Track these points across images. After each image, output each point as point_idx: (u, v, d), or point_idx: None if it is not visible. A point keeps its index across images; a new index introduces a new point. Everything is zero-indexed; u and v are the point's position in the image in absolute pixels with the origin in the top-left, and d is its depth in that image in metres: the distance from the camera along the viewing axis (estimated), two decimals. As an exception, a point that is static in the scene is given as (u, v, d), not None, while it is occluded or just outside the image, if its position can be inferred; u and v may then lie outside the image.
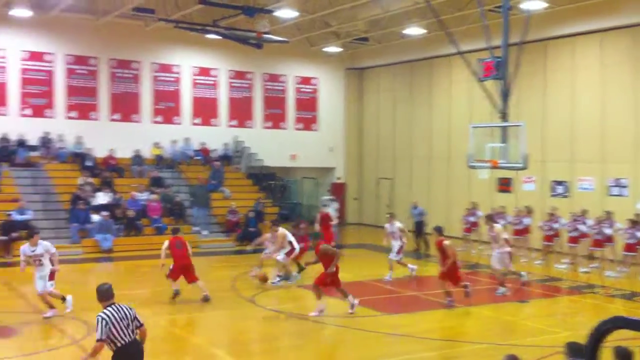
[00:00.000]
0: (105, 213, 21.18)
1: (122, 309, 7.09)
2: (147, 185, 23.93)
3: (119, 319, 6.96)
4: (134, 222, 21.71)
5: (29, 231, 14.03)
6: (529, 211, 21.02)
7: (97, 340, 6.93)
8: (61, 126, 24.81)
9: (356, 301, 13.07)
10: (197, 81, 27.98)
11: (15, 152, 23.45)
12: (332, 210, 23.65)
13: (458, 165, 25.26)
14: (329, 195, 25.91)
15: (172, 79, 27.45)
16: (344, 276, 16.29)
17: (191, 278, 14.14)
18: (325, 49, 29.45)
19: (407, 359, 10.63)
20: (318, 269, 13.76)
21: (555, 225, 19.76)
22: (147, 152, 26.20)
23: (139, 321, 7.17)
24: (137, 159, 25.44)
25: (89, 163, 24.17)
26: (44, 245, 12.60)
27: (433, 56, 27.30)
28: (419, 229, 22.59)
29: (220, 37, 24.62)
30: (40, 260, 12.47)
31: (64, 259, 19.26)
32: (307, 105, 30.72)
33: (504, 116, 18.63)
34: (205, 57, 27.96)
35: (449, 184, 26.79)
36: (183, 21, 23.66)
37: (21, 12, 22.83)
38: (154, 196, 23.09)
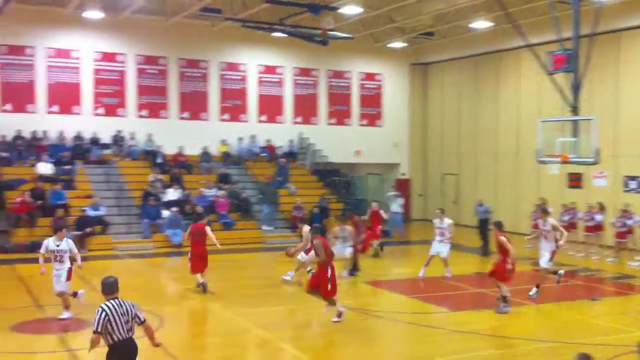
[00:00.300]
0: (174, 209, 21.74)
1: (124, 304, 7.02)
2: (214, 181, 24.41)
3: (120, 314, 6.90)
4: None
5: (56, 226, 13.74)
6: (601, 207, 20.43)
7: (94, 332, 6.87)
8: (132, 125, 25.59)
9: (325, 310, 12.05)
10: (263, 79, 28.35)
11: (89, 150, 24.31)
12: (395, 206, 23.55)
13: (526, 161, 24.80)
14: (393, 191, 25.79)
15: (239, 78, 27.89)
16: (408, 272, 16.30)
17: (196, 269, 14.50)
18: (390, 45, 29.34)
19: (473, 357, 10.53)
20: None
21: (629, 222, 19.17)
22: (215, 149, 26.73)
23: (139, 318, 7.11)
24: (205, 156, 25.99)
25: (159, 160, 24.83)
26: (69, 242, 12.33)
27: (500, 50, 26.85)
28: (483, 227, 22.17)
29: (285, 35, 24.87)
30: (62, 257, 12.16)
31: (135, 253, 20.05)
32: (372, 101, 30.70)
33: (574, 110, 18.20)
34: (271, 55, 28.29)
35: (517, 180, 26.29)
36: (250, 20, 24.01)
37: (94, 14, 23.63)
38: (222, 192, 23.55)
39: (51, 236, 12.49)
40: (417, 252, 22.89)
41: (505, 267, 12.95)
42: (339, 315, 12.06)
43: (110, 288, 7.11)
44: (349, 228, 16.45)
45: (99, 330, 6.81)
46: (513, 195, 26.23)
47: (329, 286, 11.84)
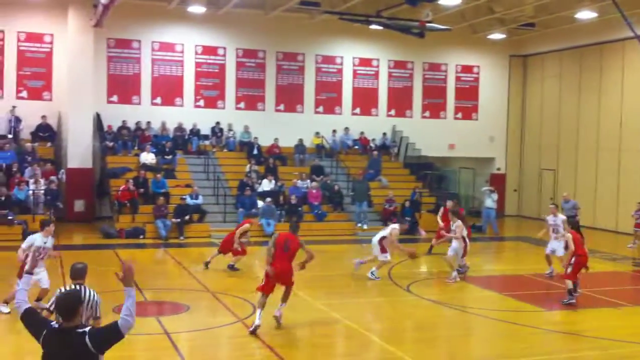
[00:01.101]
0: (269, 199, 22.24)
1: (87, 292, 6.92)
2: (308, 173, 24.77)
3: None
4: (295, 208, 22.59)
5: (42, 220, 12.51)
6: None
7: (47, 310, 7.39)
8: (230, 116, 26.34)
9: (278, 312, 11.16)
10: (358, 72, 28.46)
11: (190, 140, 25.21)
12: (490, 201, 23.13)
13: (630, 157, 23.81)
14: (487, 186, 25.34)
15: (334, 70, 28.13)
16: (501, 269, 15.99)
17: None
18: (488, 36, 28.74)
19: (571, 357, 10.30)
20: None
21: None
22: (309, 142, 27.09)
23: (96, 313, 6.95)
24: (300, 148, 26.40)
25: (255, 151, 25.45)
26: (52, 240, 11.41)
27: (604, 41, 25.80)
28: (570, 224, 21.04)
29: (382, 28, 24.84)
30: (45, 255, 11.10)
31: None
32: (468, 94, 30.21)
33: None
34: (367, 48, 28.35)
35: (619, 177, 25.23)
36: (347, 13, 24.14)
37: (196, 9, 24.47)
38: (314, 184, 23.88)
39: (37, 232, 11.50)
40: (510, 249, 22.52)
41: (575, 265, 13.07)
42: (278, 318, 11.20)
43: (76, 273, 7.21)
44: (459, 225, 15.87)
45: (51, 309, 7.16)
46: (614, 193, 25.20)
47: None
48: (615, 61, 25.82)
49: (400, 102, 29.06)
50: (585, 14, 24.09)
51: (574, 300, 13.13)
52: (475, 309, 12.87)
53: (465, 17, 26.45)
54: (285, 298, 11.22)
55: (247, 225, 16.30)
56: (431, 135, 28.68)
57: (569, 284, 13.14)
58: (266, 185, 23.43)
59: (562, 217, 16.32)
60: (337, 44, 27.98)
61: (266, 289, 11.04)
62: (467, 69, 30.13)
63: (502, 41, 29.55)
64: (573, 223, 13.75)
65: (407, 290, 14.38)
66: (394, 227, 15.53)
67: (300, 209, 22.76)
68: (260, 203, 22.33)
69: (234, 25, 26.27)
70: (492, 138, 30.43)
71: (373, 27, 25.31)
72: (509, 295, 14.13)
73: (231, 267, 15.88)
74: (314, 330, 11.42)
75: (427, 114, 29.49)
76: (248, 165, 24.35)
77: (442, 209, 19.24)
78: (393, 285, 14.87)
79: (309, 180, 24.16)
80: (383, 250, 15.26)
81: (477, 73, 30.34)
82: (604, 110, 26.25)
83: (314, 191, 23.53)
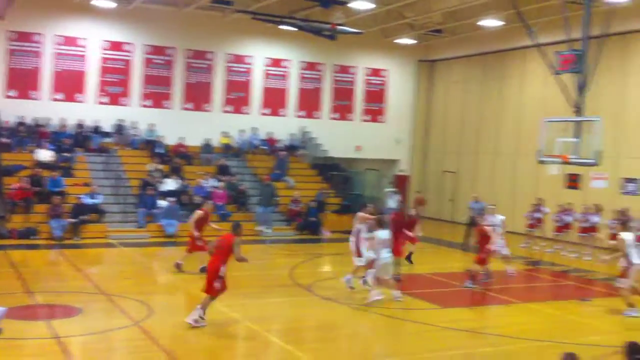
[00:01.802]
0: (172, 199, 21.79)
1: None
2: (214, 173, 24.45)
3: None
4: (199, 208, 22.15)
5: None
6: (597, 209, 20.38)
7: None
8: (136, 114, 25.69)
9: (196, 314, 11.06)
10: (269, 72, 28.36)
11: (90, 138, 24.37)
12: (393, 202, 23.51)
13: (526, 161, 24.78)
14: (391, 188, 25.78)
15: (244, 70, 27.92)
16: (403, 269, 16.21)
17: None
18: (398, 41, 29.29)
19: (463, 354, 10.57)
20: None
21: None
22: (216, 141, 26.77)
23: None
24: (207, 147, 26.04)
25: (159, 150, 24.88)
26: None
27: (506, 49, 26.79)
28: (473, 223, 21.66)
29: (294, 29, 24.86)
30: None
31: (130, 242, 20.09)
32: (376, 97, 30.68)
33: (578, 110, 18.16)
34: (278, 48, 28.30)
35: (515, 180, 26.27)
36: (260, 12, 24.00)
37: (105, 3, 23.73)
38: (220, 184, 23.59)
39: None
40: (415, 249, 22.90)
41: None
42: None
43: None
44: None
45: None
46: (510, 194, 26.20)
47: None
48: (516, 69, 26.85)
49: (309, 103, 29.18)
50: (490, 22, 24.92)
51: (473, 286, 14.38)
52: (375, 307, 13.03)
53: (377, 21, 26.84)
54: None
55: (199, 212, 15.74)
56: (339, 137, 28.94)
57: (476, 269, 14.10)
58: (169, 184, 22.95)
59: (500, 217, 16.78)
60: (248, 43, 27.79)
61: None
62: (376, 72, 30.59)
63: (411, 46, 30.19)
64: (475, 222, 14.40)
65: (308, 290, 14.40)
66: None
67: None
68: (162, 203, 21.82)
69: (143, 21, 25.64)
70: (399, 140, 31.03)
71: (285, 27, 25.32)
72: (409, 294, 14.37)
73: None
74: (213, 332, 11.23)
75: (335, 115, 29.74)
76: (151, 164, 23.77)
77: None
78: (295, 285, 14.86)
79: (214, 180, 23.84)
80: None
81: (386, 76, 30.86)
82: (504, 116, 27.25)
83: (219, 191, 23.23)
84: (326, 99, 29.57)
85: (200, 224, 15.46)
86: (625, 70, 22.35)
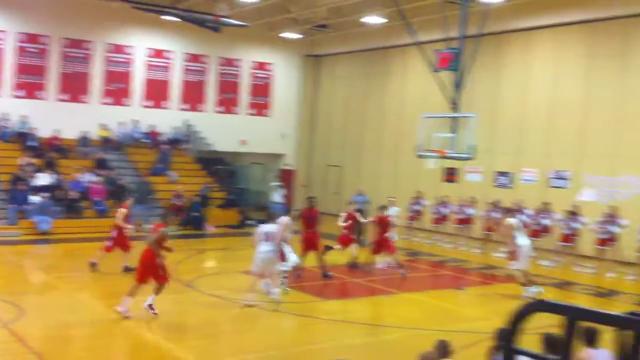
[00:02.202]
0: (45, 194, 20.73)
1: None
2: (91, 167, 23.48)
3: None
4: (74, 204, 21.31)
5: None
6: (472, 201, 21.34)
7: None
8: (7, 105, 24.19)
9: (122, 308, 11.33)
10: (151, 63, 27.53)
11: (-44, 130, 22.77)
12: (278, 196, 23.55)
13: (407, 155, 25.44)
14: (276, 182, 25.83)
15: (125, 60, 26.95)
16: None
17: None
18: (284, 35, 29.28)
19: (345, 345, 10.70)
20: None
21: (497, 215, 20.12)
22: (95, 134, 25.73)
23: None
24: (84, 140, 24.94)
25: (32, 143, 23.59)
26: None
27: (390, 46, 27.38)
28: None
29: (177, 19, 24.28)
30: None
31: (0, 240, 18.93)
32: (262, 91, 30.54)
33: (455, 107, 18.86)
34: (160, 39, 27.53)
35: (397, 173, 27.00)
36: (140, 2, 23.24)
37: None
38: (98, 178, 22.68)
39: None
40: (296, 242, 23.02)
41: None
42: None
43: None
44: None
45: None
46: (393, 187, 26.89)
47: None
48: (398, 66, 27.55)
49: (193, 96, 28.62)
50: (374, 19, 25.40)
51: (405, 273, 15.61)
52: (257, 302, 12.97)
53: (262, 15, 26.66)
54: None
55: (123, 210, 15.10)
56: (224, 130, 28.59)
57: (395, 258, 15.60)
58: (43, 179, 21.79)
59: (396, 208, 17.12)
60: (128, 33, 26.86)
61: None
62: (261, 65, 30.45)
63: (297, 41, 30.27)
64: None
65: (189, 287, 14.13)
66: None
67: (79, 204, 21.48)
68: (34, 198, 20.71)
69: (16, 8, 24.19)
70: (284, 135, 31.09)
71: (167, 17, 24.68)
72: (293, 287, 14.43)
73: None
74: (91, 332, 10.81)
75: (220, 109, 29.35)
76: (22, 158, 22.48)
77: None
78: (175, 281, 14.50)
79: (91, 174, 22.87)
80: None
81: (272, 70, 30.79)
82: (387, 111, 27.92)
83: (96, 186, 22.34)
84: (211, 92, 29.13)
85: (126, 221, 14.95)
86: (499, 68, 23.47)
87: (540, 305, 2.70)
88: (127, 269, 14.35)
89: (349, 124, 29.83)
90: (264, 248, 12.88)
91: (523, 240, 13.91)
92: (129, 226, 15.00)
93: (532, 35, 22.41)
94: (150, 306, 11.33)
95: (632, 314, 4.51)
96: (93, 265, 14.91)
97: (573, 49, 21.31)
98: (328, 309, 12.85)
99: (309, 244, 15.23)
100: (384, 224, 16.02)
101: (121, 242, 14.91)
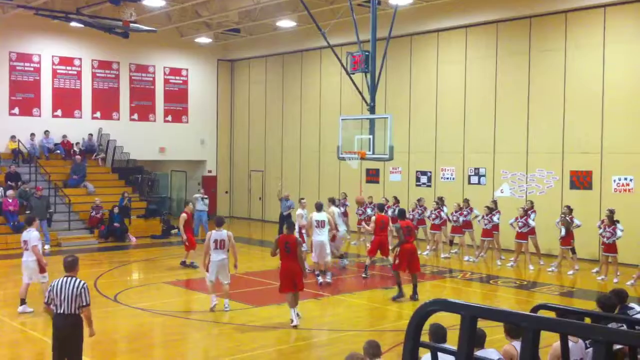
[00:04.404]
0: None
1: (73, 283, 7.81)
2: (2, 181, 22.41)
3: (65, 290, 7.74)
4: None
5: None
6: (396, 201, 21.63)
7: (44, 303, 8.16)
8: None
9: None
10: (59, 71, 26.58)
11: None
12: (202, 204, 23.10)
13: (328, 157, 25.63)
14: (200, 189, 25.40)
15: (32, 69, 25.90)
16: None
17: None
18: (197, 40, 28.87)
19: (276, 350, 10.64)
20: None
21: (420, 213, 20.49)
22: (3, 146, 24.61)
23: (83, 300, 7.81)
24: (-8, 153, 23.81)
25: None
26: None
27: (304, 49, 27.48)
28: (284, 221, 21.57)
29: (84, 26, 23.50)
30: None
31: None
32: (177, 97, 30.01)
33: (371, 109, 19.06)
34: (68, 46, 26.59)
35: (320, 176, 27.12)
36: (44, 8, 22.38)
37: None
38: (10, 192, 21.68)
39: None
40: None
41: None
42: None
43: (67, 265, 8.04)
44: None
45: (46, 301, 8.03)
46: (315, 190, 27.02)
47: None
48: (314, 68, 27.67)
49: (106, 104, 27.80)
50: (286, 23, 25.41)
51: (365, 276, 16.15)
52: (187, 312, 12.71)
53: (172, 20, 26.23)
54: None
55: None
56: (141, 139, 27.93)
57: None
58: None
59: (306, 211, 17.16)
60: (34, 41, 25.81)
61: None
62: (176, 71, 29.93)
63: (209, 45, 29.92)
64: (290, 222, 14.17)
65: (114, 301, 13.70)
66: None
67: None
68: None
69: None
70: (203, 141, 30.67)
71: (74, 24, 23.86)
72: (221, 295, 14.23)
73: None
74: (10, 352, 10.28)
75: (135, 116, 28.65)
76: None
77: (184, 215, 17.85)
78: (99, 296, 14.05)
79: (2, 189, 21.86)
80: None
81: (186, 76, 30.31)
82: (305, 114, 28.00)
83: (9, 200, 21.37)
84: (124, 100, 28.37)
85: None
86: (412, 69, 23.93)
87: (440, 304, 2.78)
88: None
89: (269, 128, 29.75)
90: (218, 256, 12.67)
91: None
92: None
93: (442, 36, 22.99)
94: None
95: (536, 308, 4.68)
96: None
97: (482, 49, 21.97)
98: (259, 316, 12.73)
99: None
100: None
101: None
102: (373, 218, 16.62)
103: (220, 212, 30.68)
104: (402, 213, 15.16)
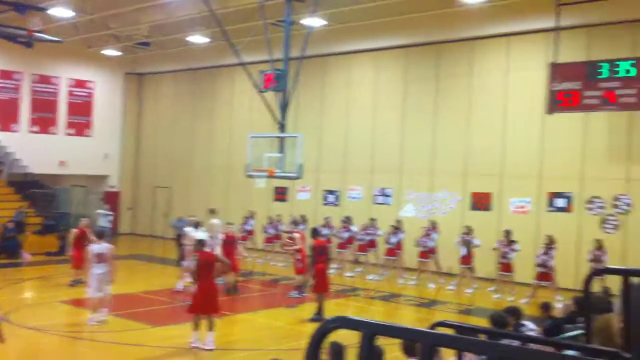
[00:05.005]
0: None
1: None
2: None
3: None
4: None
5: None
6: (303, 220, 21.64)
7: None
8: None
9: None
10: (-45, 79, 25.23)
11: None
12: (105, 221, 22.33)
13: (238, 175, 25.38)
14: (103, 205, 24.63)
15: None
16: (114, 289, 15.51)
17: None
18: (104, 52, 28.04)
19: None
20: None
21: (329, 232, 20.57)
22: None
23: None
24: None
25: None
26: None
27: (216, 65, 27.22)
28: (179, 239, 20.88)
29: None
30: None
31: None
32: (82, 110, 29.04)
33: (282, 127, 19.08)
34: (-34, 54, 25.30)
35: (229, 193, 26.82)
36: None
37: None
38: None
39: None
40: (124, 268, 22.10)
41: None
42: None
43: None
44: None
45: None
46: (224, 208, 26.68)
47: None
48: (226, 85, 27.44)
49: (5, 115, 26.56)
50: (198, 38, 25.11)
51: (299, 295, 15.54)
52: (83, 333, 12.18)
53: (79, 31, 25.35)
54: None
55: None
56: (41, 152, 26.79)
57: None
58: None
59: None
60: None
61: None
62: (81, 83, 28.99)
63: (117, 58, 29.14)
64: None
65: (4, 320, 12.94)
66: None
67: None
68: None
69: None
70: (107, 155, 29.75)
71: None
72: (120, 315, 13.74)
73: None
74: None
75: (35, 128, 27.48)
76: None
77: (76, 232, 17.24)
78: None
79: None
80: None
81: (92, 88, 29.41)
82: (216, 131, 27.68)
83: None
84: (24, 111, 27.19)
85: None
86: (324, 89, 24.18)
87: (341, 322, 2.79)
88: None
89: (177, 143, 29.21)
90: (99, 270, 12.42)
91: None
92: None
93: (354, 59, 23.36)
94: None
95: (434, 325, 4.76)
96: None
97: (391, 72, 22.48)
98: (155, 336, 12.34)
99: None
100: (231, 242, 15.90)
101: None
102: (297, 235, 16.44)
103: (122, 229, 29.82)
104: (315, 232, 15.17)
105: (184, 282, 15.97)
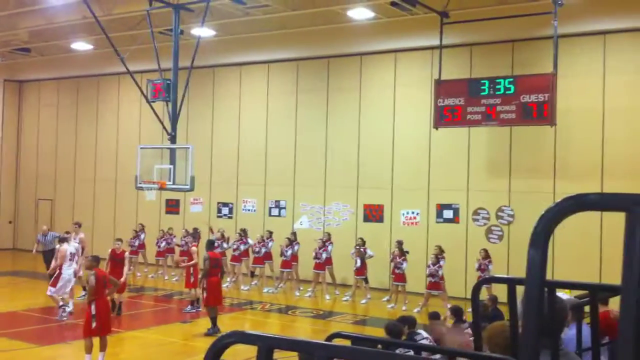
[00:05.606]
0: None
1: None
2: None
3: None
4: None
5: None
6: (195, 231, 21.26)
7: None
8: None
9: None
10: None
11: None
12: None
13: (125, 186, 24.69)
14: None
15: None
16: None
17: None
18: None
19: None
20: None
21: (224, 245, 20.32)
22: None
23: None
24: None
25: None
26: None
27: (101, 74, 26.34)
28: (50, 256, 19.73)
29: None
30: None
31: None
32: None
33: (172, 138, 18.71)
34: None
35: (116, 205, 25.98)
36: None
37: None
38: None
39: None
40: (7, 284, 20.97)
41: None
42: None
43: None
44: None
45: None
46: (111, 221, 25.84)
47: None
48: (112, 94, 26.61)
49: None
50: (81, 45, 24.24)
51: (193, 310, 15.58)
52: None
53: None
54: None
55: None
56: None
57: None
58: None
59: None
60: None
61: None
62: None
63: (-4, 64, 27.66)
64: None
65: None
66: None
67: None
68: None
69: None
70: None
71: None
72: (4, 334, 12.98)
73: None
74: None
75: None
76: None
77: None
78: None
79: None
80: None
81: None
82: (101, 141, 26.75)
83: None
84: None
85: None
86: (215, 100, 23.94)
87: (237, 336, 2.78)
88: None
89: (60, 154, 28.02)
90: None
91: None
92: None
93: (244, 70, 23.31)
94: None
95: (331, 337, 4.84)
96: None
97: (283, 85, 22.59)
98: (43, 356, 11.74)
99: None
100: (119, 259, 15.30)
101: None
102: (194, 249, 16.15)
103: (2, 245, 28.20)
104: (210, 244, 14.95)
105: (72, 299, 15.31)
